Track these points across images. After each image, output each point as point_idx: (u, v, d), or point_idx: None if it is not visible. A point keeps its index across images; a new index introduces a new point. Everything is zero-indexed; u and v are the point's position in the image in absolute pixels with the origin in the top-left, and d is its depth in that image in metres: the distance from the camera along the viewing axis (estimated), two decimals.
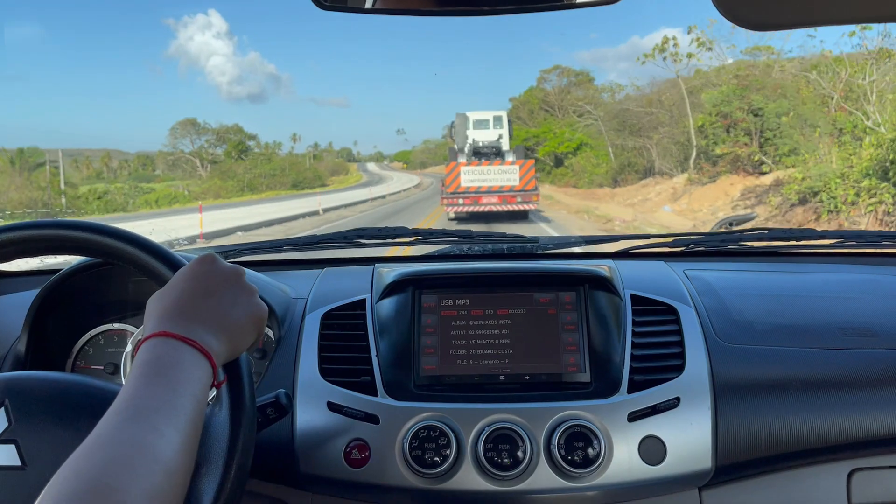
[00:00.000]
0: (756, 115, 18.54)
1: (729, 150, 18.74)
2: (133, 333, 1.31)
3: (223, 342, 0.77)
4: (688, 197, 18.82)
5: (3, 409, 0.80)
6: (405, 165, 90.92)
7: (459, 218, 15.55)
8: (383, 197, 31.48)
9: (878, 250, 1.59)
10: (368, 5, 0.97)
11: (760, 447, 1.12)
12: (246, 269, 1.27)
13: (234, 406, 0.81)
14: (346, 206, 24.71)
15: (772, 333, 1.24)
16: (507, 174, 15.46)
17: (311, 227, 16.53)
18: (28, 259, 0.97)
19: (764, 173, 17.91)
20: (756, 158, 18.14)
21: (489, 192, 15.29)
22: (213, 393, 0.79)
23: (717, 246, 1.59)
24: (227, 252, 1.53)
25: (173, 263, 0.88)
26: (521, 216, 15.63)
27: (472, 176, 15.41)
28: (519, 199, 15.34)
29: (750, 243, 1.58)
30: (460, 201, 15.29)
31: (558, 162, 35.39)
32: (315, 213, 20.94)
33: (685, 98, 23.74)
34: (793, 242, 1.57)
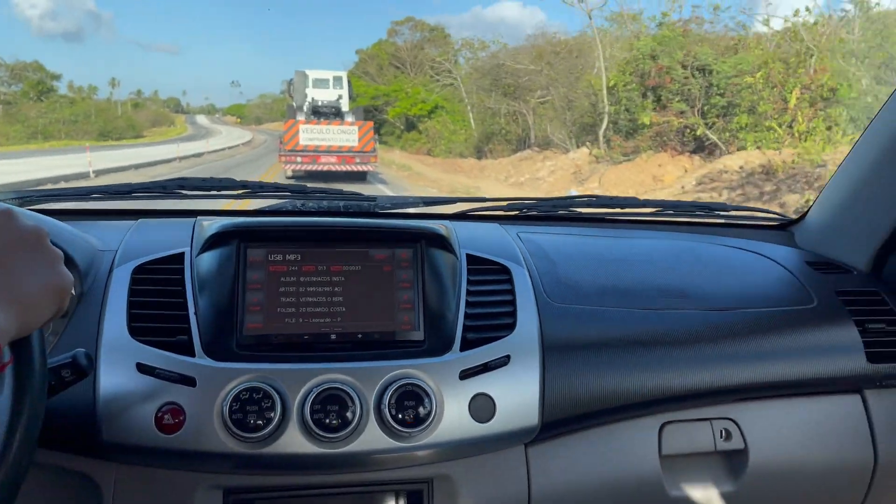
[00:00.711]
0: (702, 74, 14.33)
1: (661, 119, 14.69)
2: None
3: (11, 317, 0.66)
4: (597, 179, 15.01)
5: None
6: (239, 120, 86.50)
7: (297, 177, 15.30)
8: (198, 155, 24.97)
9: (693, 220, 1.70)
10: None
11: (583, 403, 1.17)
12: (44, 217, 1.16)
13: (18, 393, 0.71)
14: (135, 166, 18.67)
15: (597, 294, 1.29)
16: (346, 134, 15.46)
17: None
18: None
19: (704, 151, 14.17)
20: (699, 132, 14.13)
21: (328, 151, 15.24)
22: None
23: (549, 211, 1.63)
24: (24, 199, 1.37)
25: None
26: (360, 177, 15.70)
27: (311, 135, 15.28)
28: (357, 160, 15.40)
29: (579, 209, 1.63)
30: (298, 159, 15.14)
31: (410, 126, 32.10)
32: (83, 175, 15.71)
33: (599, 48, 18.36)
34: (618, 210, 1.65)
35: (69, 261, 1.07)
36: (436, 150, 27.06)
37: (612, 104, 16.63)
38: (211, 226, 1.18)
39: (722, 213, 1.66)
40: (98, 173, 16.25)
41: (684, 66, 14.52)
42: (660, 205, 1.65)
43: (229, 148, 31.55)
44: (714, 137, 13.96)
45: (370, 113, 30.07)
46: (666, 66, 14.73)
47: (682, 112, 14.50)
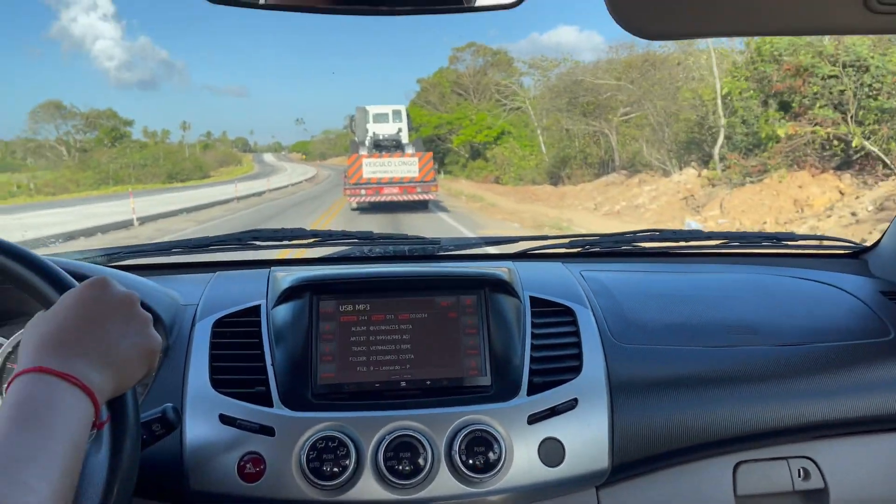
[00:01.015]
0: (855, 71, 11.28)
1: (802, 130, 11.69)
2: (1, 345, 1.20)
3: (108, 378, 0.71)
4: (718, 204, 12.41)
5: None
6: (304, 156, 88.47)
7: (361, 208, 16.02)
8: (259, 194, 23.52)
9: (759, 251, 1.67)
10: (262, 1, 0.93)
11: (654, 444, 1.16)
12: (131, 275, 1.25)
13: (115, 450, 0.76)
14: (187, 210, 17.90)
15: (664, 333, 1.28)
16: (407, 166, 16.06)
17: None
18: None
19: (854, 167, 11.25)
20: (855, 143, 11.09)
21: (390, 182, 15.84)
22: (94, 433, 0.73)
23: (612, 247, 1.62)
24: (111, 256, 1.46)
25: (61, 284, 0.80)
26: (422, 206, 16.16)
27: (374, 168, 15.93)
28: (419, 190, 15.95)
29: (642, 244, 1.63)
30: (363, 192, 15.79)
31: (475, 153, 30.55)
32: (126, 223, 14.99)
33: (711, 53, 15.37)
34: (682, 243, 1.64)
35: (156, 318, 1.13)
36: (505, 178, 25.50)
37: (726, 116, 14.39)
38: (284, 279, 1.23)
39: (790, 242, 1.62)
40: (143, 220, 15.26)
41: (833, 63, 11.56)
42: (725, 237, 1.63)
43: (292, 185, 30.96)
44: (874, 149, 11.04)
45: (433, 142, 29.95)
46: (795, 66, 12.06)
47: (822, 120, 11.59)
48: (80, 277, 0.82)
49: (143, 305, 0.82)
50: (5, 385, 1.10)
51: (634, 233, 1.63)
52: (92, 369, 0.69)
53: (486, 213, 16.92)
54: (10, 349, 1.19)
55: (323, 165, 58.96)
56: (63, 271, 0.82)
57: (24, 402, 0.64)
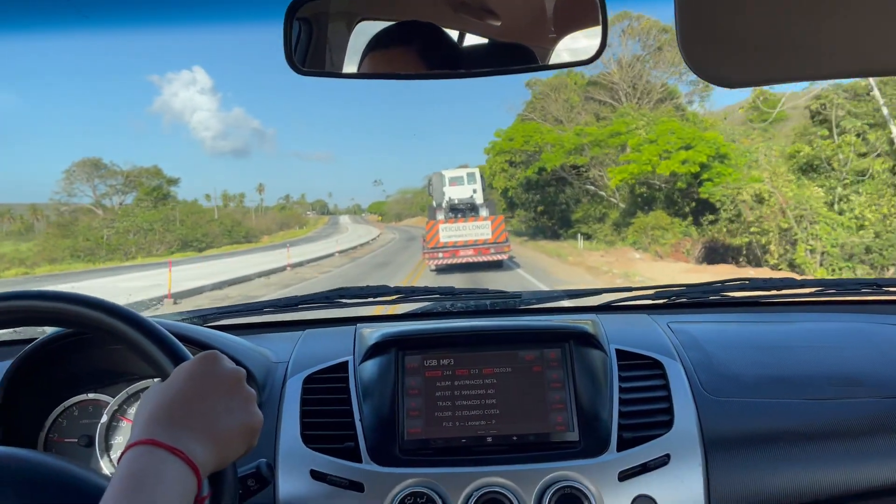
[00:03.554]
0: None
1: None
2: (109, 404, 1.25)
3: (211, 452, 0.73)
4: None
5: None
6: (380, 218, 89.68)
7: (440, 269, 16.73)
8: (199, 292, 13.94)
9: (858, 298, 1.58)
10: (345, 70, 1.00)
11: (753, 502, 1.10)
12: (225, 334, 1.30)
13: None
14: None
15: (759, 385, 1.23)
16: (480, 229, 16.96)
17: None
18: None
19: None
20: None
21: (465, 245, 16.67)
22: None
23: (700, 297, 1.58)
24: (206, 316, 1.51)
25: (177, 357, 0.83)
26: (497, 265, 16.81)
27: (450, 232, 16.88)
28: (492, 251, 16.69)
29: (732, 294, 1.58)
30: (440, 255, 16.65)
31: (646, 201, 18.22)
32: None
33: None
34: (774, 292, 1.56)
35: (249, 376, 1.16)
36: (798, 254, 13.78)
37: None
38: (371, 335, 1.25)
39: (892, 288, 1.53)
40: None
41: None
42: (820, 284, 1.56)
43: (309, 262, 21.03)
44: None
45: (554, 184, 23.91)
46: None
47: None
48: (183, 339, 0.85)
49: (237, 362, 0.84)
50: (117, 451, 1.17)
51: (723, 282, 1.58)
52: (198, 443, 0.72)
53: None
54: (115, 406, 1.25)
55: (395, 227, 58.04)
56: (179, 344, 0.85)
57: (134, 473, 0.67)
